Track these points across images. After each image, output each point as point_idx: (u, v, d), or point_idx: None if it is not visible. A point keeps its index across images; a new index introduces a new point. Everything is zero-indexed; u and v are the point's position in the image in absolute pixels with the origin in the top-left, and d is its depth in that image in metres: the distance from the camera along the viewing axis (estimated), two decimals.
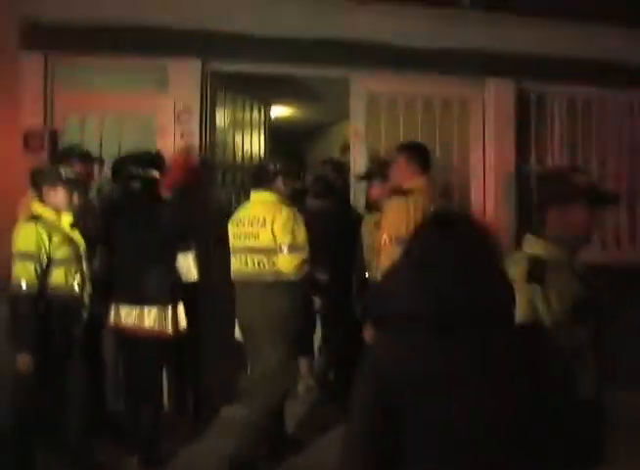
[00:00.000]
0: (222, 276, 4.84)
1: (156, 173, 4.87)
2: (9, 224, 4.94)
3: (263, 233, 4.53)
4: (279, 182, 4.70)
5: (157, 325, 4.61)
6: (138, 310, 4.60)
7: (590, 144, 6.81)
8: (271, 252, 4.51)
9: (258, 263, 4.55)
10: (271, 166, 4.75)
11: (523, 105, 6.58)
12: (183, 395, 5.60)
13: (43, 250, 4.17)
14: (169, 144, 5.80)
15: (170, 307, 4.67)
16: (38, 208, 4.31)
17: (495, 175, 6.38)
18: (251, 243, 4.58)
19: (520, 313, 2.36)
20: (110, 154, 5.63)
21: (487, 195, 6.41)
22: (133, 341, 4.66)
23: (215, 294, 5.29)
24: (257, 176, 4.83)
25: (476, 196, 6.46)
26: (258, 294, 4.55)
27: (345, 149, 7.37)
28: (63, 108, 5.73)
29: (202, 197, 5.88)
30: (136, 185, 4.79)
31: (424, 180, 4.67)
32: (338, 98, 6.66)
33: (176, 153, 5.76)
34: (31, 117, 5.57)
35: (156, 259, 4.69)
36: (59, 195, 4.30)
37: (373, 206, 5.59)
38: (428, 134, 6.28)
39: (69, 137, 5.68)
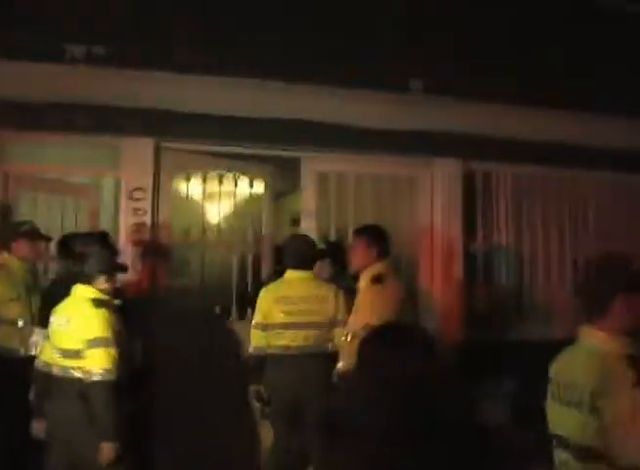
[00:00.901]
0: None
1: None
2: None
3: (325, 309, 4.97)
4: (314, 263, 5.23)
5: None
6: None
7: (536, 222, 6.98)
8: (327, 326, 4.94)
9: (314, 337, 4.92)
10: (309, 250, 5.18)
11: (469, 183, 6.73)
12: None
13: (116, 335, 4.08)
14: (121, 222, 5.80)
15: None
16: (90, 292, 4.22)
17: (443, 254, 6.48)
18: (311, 318, 4.94)
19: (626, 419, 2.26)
20: (61, 231, 5.64)
21: (435, 273, 6.49)
22: None
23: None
24: (297, 258, 5.10)
25: (424, 275, 6.53)
26: (313, 365, 4.86)
27: (296, 222, 7.43)
28: (15, 184, 5.73)
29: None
30: (79, 264, 4.66)
31: (388, 264, 4.74)
32: (287, 172, 6.78)
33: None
34: None
35: None
36: (111, 282, 4.30)
37: None
38: (376, 212, 6.38)
39: (22, 213, 5.67)
